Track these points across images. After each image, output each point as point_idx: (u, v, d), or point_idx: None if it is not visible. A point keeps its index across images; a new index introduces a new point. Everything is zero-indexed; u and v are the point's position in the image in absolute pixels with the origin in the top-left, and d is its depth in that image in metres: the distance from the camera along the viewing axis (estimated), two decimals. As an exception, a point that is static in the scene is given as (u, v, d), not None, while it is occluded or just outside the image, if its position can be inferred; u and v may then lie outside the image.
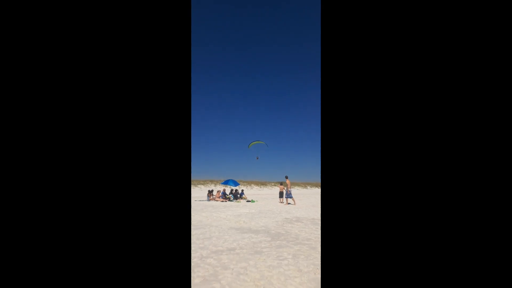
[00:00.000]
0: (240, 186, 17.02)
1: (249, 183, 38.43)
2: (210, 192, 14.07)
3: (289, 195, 10.91)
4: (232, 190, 14.61)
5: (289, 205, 10.54)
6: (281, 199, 11.93)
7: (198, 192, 25.99)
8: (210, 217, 6.60)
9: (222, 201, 12.52)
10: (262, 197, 17.91)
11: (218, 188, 21.95)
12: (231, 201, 12.89)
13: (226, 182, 16.51)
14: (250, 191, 30.64)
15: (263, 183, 40.20)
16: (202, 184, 35.40)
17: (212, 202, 12.00)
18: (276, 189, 35.01)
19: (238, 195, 14.17)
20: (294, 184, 42.62)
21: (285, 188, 11.21)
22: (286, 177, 11.52)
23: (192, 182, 35.96)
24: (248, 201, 13.06)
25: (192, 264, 2.68)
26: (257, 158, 15.79)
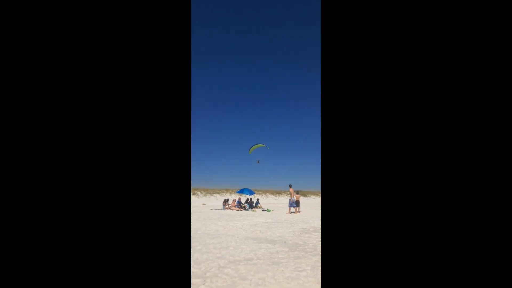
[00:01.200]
0: (255, 195, 16.93)
1: (264, 192, 38.20)
2: (226, 201, 14.10)
3: (292, 204, 11.37)
4: (247, 199, 14.58)
5: (292, 213, 10.84)
6: (297, 208, 11.77)
7: (213, 201, 26.10)
8: (227, 226, 6.60)
9: (238, 210, 12.50)
10: (277, 206, 17.71)
11: (233, 197, 21.98)
12: (247, 210, 12.84)
13: (241, 191, 16.50)
14: (265, 200, 30.40)
15: (278, 192, 39.79)
16: (218, 193, 35.58)
17: (228, 211, 12.01)
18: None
19: (254, 204, 14.10)
20: (310, 193, 41.95)
21: (289, 197, 11.65)
22: (290, 186, 11.85)
23: (207, 191, 36.21)
24: (263, 210, 12.96)
25: (210, 274, 2.69)
26: (258, 162, 15.46)
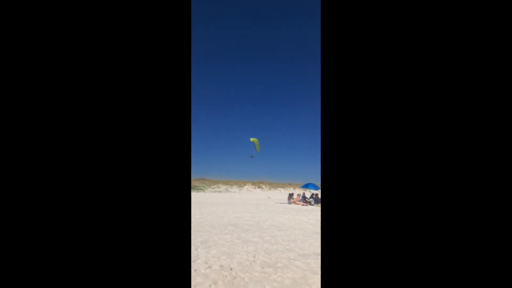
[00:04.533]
0: (320, 190, 16.44)
1: (329, 187, 36.68)
2: (291, 195, 14.13)
3: (317, 200, 11.96)
4: (312, 194, 14.29)
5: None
6: None
7: (278, 195, 26.53)
8: (293, 220, 6.62)
9: (303, 205, 12.39)
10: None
11: (297, 191, 21.87)
12: (312, 205, 12.61)
13: (306, 186, 16.27)
14: (331, 195, 29.18)
15: (345, 188, 37.62)
16: (282, 187, 35.99)
17: (293, 205, 12.02)
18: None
19: (319, 200, 13.73)
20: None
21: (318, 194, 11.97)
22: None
23: (271, 185, 36.99)
24: (330, 206, 12.51)
25: (281, 265, 2.75)
26: (251, 157, 14.41)
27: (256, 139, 13.52)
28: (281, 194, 28.26)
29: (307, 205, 12.56)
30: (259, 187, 36.42)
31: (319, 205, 12.79)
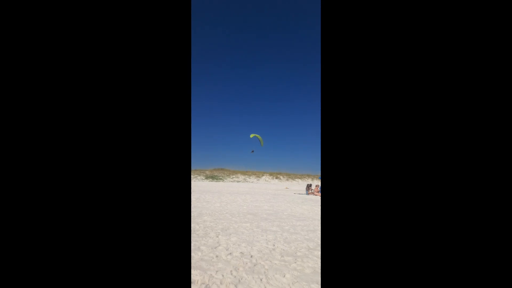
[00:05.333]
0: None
1: (349, 179, 36.19)
2: (309, 186, 14.05)
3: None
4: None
5: None
6: None
7: (296, 186, 26.48)
8: (312, 210, 6.59)
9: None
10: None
11: (316, 182, 21.69)
12: (331, 196, 12.51)
13: (324, 177, 16.13)
14: (350, 187, 28.71)
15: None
16: (300, 178, 35.85)
17: (311, 196, 11.96)
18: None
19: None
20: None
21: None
22: None
23: (289, 176, 37.01)
24: (349, 197, 12.36)
25: (300, 254, 2.76)
26: (252, 151, 14.63)
27: (258, 135, 13.72)
28: (299, 185, 28.17)
29: (326, 196, 12.48)
30: (276, 177, 36.48)
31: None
